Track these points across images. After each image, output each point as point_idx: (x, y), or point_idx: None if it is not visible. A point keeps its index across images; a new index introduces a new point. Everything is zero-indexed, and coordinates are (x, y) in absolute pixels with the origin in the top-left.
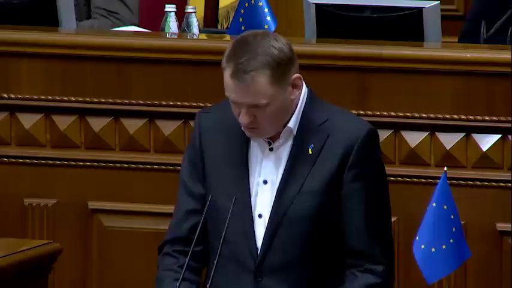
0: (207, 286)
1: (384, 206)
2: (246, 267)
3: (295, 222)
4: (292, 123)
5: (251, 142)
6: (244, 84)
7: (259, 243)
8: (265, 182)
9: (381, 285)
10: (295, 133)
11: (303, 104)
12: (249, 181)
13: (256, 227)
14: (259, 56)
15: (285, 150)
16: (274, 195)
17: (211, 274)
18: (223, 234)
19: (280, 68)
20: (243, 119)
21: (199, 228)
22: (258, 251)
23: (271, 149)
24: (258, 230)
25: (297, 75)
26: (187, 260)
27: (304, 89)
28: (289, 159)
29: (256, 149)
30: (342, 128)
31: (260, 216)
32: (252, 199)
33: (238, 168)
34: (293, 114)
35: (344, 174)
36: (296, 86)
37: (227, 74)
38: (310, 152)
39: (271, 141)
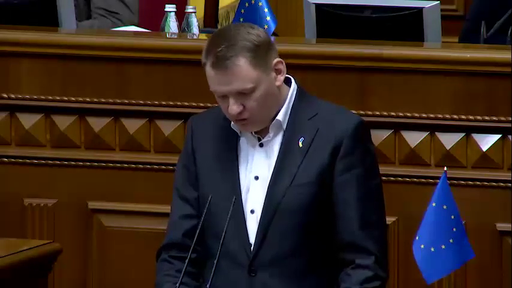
0: (207, 286)
1: (376, 196)
2: (239, 264)
3: (288, 216)
4: (281, 116)
5: (240, 139)
6: (227, 69)
7: (252, 239)
8: (256, 177)
9: (374, 277)
10: (284, 127)
11: (292, 100)
12: (239, 178)
13: (248, 223)
14: (238, 42)
15: (275, 145)
16: (266, 190)
17: (212, 274)
18: (223, 234)
19: (260, 50)
20: (232, 109)
21: (197, 233)
22: (251, 247)
23: (261, 145)
24: (250, 225)
25: (278, 59)
26: (185, 264)
27: (294, 85)
28: (279, 153)
29: (245, 146)
30: (331, 121)
31: (252, 212)
32: (243, 195)
33: (229, 165)
34: (282, 108)
35: (335, 166)
36: (279, 72)
37: (208, 66)
38: (301, 145)
39: (260, 137)
